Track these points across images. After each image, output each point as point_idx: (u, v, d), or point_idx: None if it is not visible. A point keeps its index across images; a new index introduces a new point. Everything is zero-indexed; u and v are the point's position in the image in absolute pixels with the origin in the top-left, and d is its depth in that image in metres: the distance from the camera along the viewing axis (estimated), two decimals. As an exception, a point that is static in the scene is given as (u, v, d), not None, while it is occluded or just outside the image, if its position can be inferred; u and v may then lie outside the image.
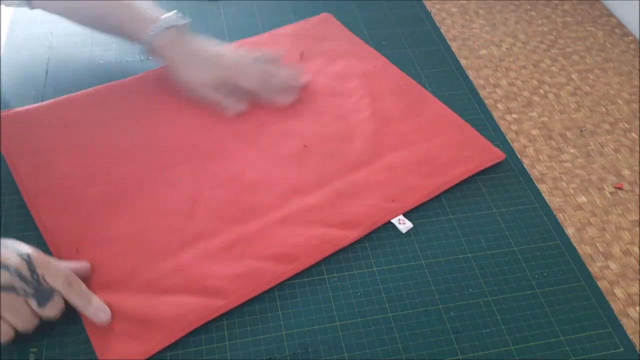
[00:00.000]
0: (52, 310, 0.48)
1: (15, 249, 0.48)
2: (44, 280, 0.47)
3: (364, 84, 0.75)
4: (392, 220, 0.60)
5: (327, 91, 0.74)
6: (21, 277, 0.46)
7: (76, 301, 0.49)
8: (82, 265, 0.53)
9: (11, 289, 0.46)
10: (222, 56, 0.70)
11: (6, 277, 0.46)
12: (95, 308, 0.50)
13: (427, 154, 0.67)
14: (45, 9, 0.74)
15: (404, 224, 0.60)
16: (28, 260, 0.47)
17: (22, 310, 0.47)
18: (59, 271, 0.49)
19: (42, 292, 0.47)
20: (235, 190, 0.62)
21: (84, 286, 0.51)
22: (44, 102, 0.69)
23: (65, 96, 0.70)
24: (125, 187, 0.61)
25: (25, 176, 0.62)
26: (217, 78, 0.68)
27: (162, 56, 0.69)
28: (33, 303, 0.47)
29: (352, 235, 0.59)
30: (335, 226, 0.59)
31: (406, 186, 0.63)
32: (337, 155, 0.66)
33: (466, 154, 0.67)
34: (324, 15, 0.87)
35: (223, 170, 0.64)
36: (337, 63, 0.78)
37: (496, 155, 0.68)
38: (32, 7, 0.74)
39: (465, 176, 0.65)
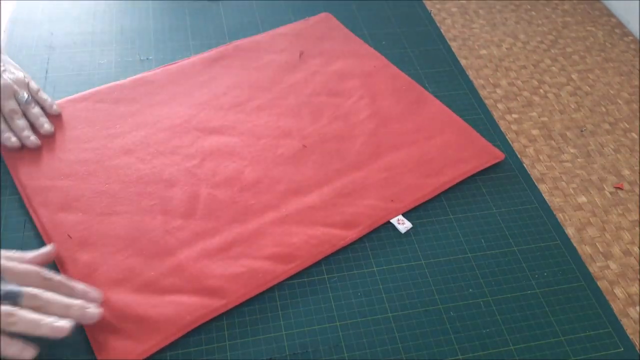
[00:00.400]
0: (32, 303, 0.46)
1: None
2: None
3: (363, 84, 0.75)
4: (391, 221, 0.60)
5: (326, 91, 0.74)
6: None
7: (60, 290, 0.49)
8: (44, 251, 0.53)
9: None
10: None
11: None
12: (82, 290, 0.50)
13: (427, 154, 0.67)
14: None
15: (403, 224, 0.60)
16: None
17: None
18: (29, 271, 0.49)
19: (10, 292, 0.46)
20: (235, 190, 0.62)
21: (60, 276, 0.50)
22: (44, 102, 0.69)
23: (64, 98, 0.70)
24: (125, 186, 0.61)
25: (25, 176, 0.62)
26: None
27: None
28: (7, 304, 0.45)
29: (351, 235, 0.59)
30: (335, 226, 0.59)
31: (405, 186, 0.63)
32: (336, 155, 0.66)
33: (465, 154, 0.67)
34: (323, 14, 0.87)
35: (222, 170, 0.64)
36: (336, 63, 0.78)
37: (495, 155, 0.68)
38: None
39: (465, 176, 0.65)
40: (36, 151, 0.64)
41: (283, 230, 0.58)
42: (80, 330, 0.50)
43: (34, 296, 0.47)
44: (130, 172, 0.63)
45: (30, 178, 0.61)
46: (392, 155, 0.66)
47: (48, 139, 0.65)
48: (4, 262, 0.48)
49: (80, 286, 0.51)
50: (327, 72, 0.77)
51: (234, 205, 0.60)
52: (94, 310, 0.49)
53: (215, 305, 0.52)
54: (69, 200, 0.60)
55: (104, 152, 0.65)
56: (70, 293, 0.49)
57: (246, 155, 0.66)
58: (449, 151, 0.67)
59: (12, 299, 0.46)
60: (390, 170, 0.65)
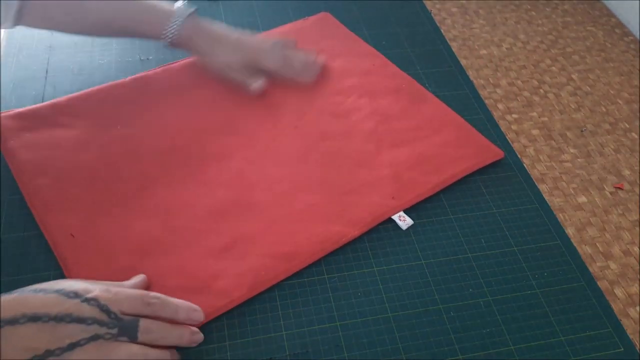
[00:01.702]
0: (147, 337, 0.45)
1: (81, 297, 0.44)
2: (123, 315, 0.45)
3: (362, 82, 0.75)
4: (393, 217, 0.60)
5: (326, 90, 0.74)
6: (100, 323, 0.43)
7: (164, 314, 0.47)
8: (140, 279, 0.52)
9: (97, 337, 0.43)
10: (243, 41, 0.73)
11: (87, 330, 0.43)
12: (185, 311, 0.49)
13: (426, 152, 0.67)
14: (33, 25, 0.67)
15: (404, 221, 0.60)
16: (97, 304, 0.44)
17: (121, 351, 0.44)
18: (132, 298, 0.46)
19: (127, 326, 0.44)
20: (236, 189, 0.62)
21: (161, 296, 0.48)
22: (45, 102, 0.69)
23: (65, 96, 0.70)
24: (127, 186, 0.61)
25: (25, 176, 0.62)
26: (242, 61, 0.72)
27: (186, 47, 0.71)
28: (125, 340, 0.44)
29: (353, 232, 0.59)
30: (337, 223, 0.59)
31: (406, 183, 0.63)
32: (336, 153, 0.66)
33: (465, 151, 0.67)
34: (322, 14, 0.87)
35: (224, 169, 0.64)
36: (335, 61, 0.78)
37: (495, 153, 0.68)
38: (15, 25, 0.65)
39: (464, 174, 0.65)
40: (37, 151, 0.64)
41: (285, 228, 0.58)
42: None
43: (149, 329, 0.46)
44: (132, 171, 0.63)
45: (32, 178, 0.61)
46: (392, 153, 0.66)
47: (48, 140, 0.65)
48: (105, 293, 0.45)
49: (184, 305, 0.49)
50: (326, 70, 0.77)
51: (235, 204, 0.60)
52: (199, 337, 0.49)
53: (217, 304, 0.52)
54: (70, 200, 0.60)
55: (105, 152, 0.65)
56: (175, 312, 0.48)
57: (248, 155, 0.66)
58: (448, 149, 0.67)
59: (130, 333, 0.45)
60: (391, 168, 0.65)
